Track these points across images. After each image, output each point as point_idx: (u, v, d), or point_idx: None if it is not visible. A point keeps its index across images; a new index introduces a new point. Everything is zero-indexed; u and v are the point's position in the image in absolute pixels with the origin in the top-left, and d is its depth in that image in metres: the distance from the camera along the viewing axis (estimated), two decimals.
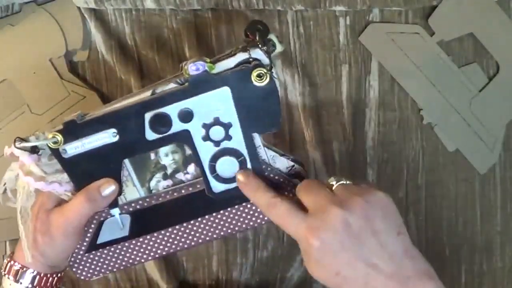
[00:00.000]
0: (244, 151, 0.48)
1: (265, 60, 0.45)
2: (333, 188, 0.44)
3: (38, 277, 0.49)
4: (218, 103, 0.46)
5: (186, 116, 0.46)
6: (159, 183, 0.50)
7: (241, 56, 0.45)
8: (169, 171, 0.49)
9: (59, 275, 0.51)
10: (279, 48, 0.46)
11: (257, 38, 0.45)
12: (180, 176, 0.50)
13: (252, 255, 0.68)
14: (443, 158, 0.67)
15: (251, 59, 0.45)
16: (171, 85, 0.46)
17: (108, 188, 0.47)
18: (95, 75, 0.66)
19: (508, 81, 0.65)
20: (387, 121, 0.66)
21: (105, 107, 0.47)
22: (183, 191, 0.50)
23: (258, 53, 0.45)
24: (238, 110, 0.46)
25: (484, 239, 0.68)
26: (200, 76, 0.44)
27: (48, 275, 0.50)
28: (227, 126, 0.46)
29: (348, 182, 0.44)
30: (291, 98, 0.65)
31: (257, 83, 0.45)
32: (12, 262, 0.50)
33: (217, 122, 0.46)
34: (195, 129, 0.46)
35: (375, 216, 0.41)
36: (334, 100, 0.66)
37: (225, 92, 0.45)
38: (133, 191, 0.50)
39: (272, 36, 0.46)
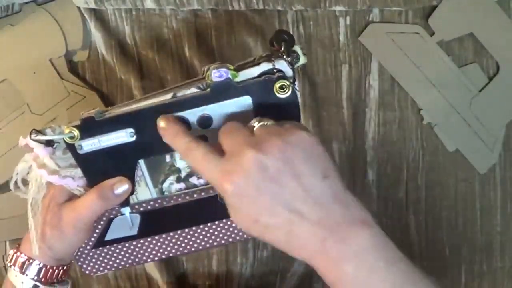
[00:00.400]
0: None
1: (289, 72, 0.45)
2: (254, 129, 0.40)
3: (44, 269, 0.49)
4: (238, 111, 0.45)
5: (205, 122, 0.46)
6: (172, 186, 0.49)
7: (265, 66, 0.45)
8: (183, 174, 0.49)
9: (64, 267, 0.51)
10: (302, 60, 0.46)
11: (283, 48, 0.45)
12: (194, 180, 0.49)
13: (252, 255, 0.68)
14: (443, 158, 0.67)
15: (275, 70, 0.45)
16: (193, 90, 0.46)
17: (121, 187, 0.47)
18: (95, 75, 0.66)
19: (508, 81, 0.65)
20: (387, 121, 0.66)
21: (123, 105, 0.47)
22: (195, 195, 0.50)
23: (282, 65, 0.45)
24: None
25: (484, 239, 0.68)
26: (222, 83, 0.44)
27: (54, 268, 0.50)
28: None
29: (269, 122, 0.41)
30: None
31: (279, 94, 0.44)
32: (18, 253, 0.50)
33: None
34: (213, 135, 0.46)
35: (295, 158, 0.38)
36: (334, 100, 0.66)
37: (246, 101, 0.45)
38: (145, 192, 0.50)
39: (296, 48, 0.46)
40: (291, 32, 0.64)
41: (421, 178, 0.67)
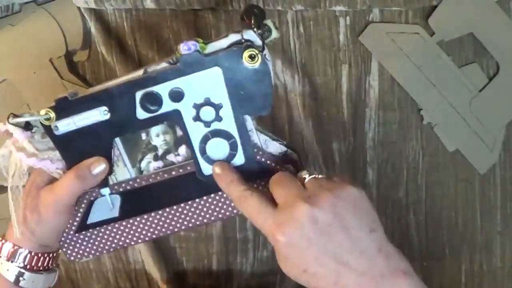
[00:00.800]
0: (235, 133, 0.47)
1: (258, 41, 0.45)
2: (305, 181, 0.43)
3: (29, 256, 0.49)
4: (209, 84, 0.45)
5: (177, 95, 0.46)
6: (150, 164, 0.49)
7: (234, 37, 0.45)
8: (160, 152, 0.49)
9: (50, 255, 0.51)
10: (274, 34, 0.46)
11: (253, 21, 0.45)
12: (171, 157, 0.49)
13: (252, 255, 0.68)
14: (443, 158, 0.67)
15: (243, 40, 0.45)
16: (163, 65, 0.46)
17: (98, 166, 0.47)
18: (95, 75, 0.66)
19: (508, 81, 0.65)
20: (387, 121, 0.66)
21: (97, 85, 0.47)
22: (173, 173, 0.50)
23: (250, 35, 0.45)
24: (229, 91, 0.46)
25: (484, 239, 0.68)
26: (191, 55, 0.45)
27: (39, 255, 0.50)
28: (217, 107, 0.46)
29: (320, 175, 0.43)
30: (291, 98, 0.65)
31: (248, 64, 0.44)
32: (3, 241, 0.50)
33: (207, 102, 0.46)
34: (185, 109, 0.46)
35: (345, 212, 0.40)
36: (334, 100, 0.66)
37: (216, 73, 0.45)
38: (123, 171, 0.50)
39: (268, 22, 0.46)
40: (290, 32, 0.64)
41: (421, 178, 0.67)
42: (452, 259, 0.69)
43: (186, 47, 0.44)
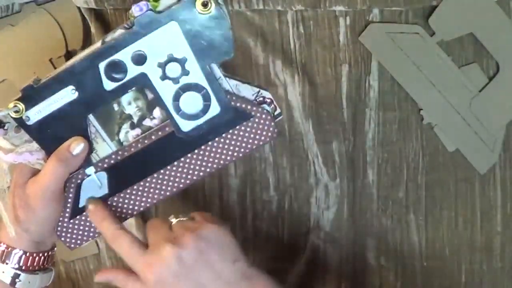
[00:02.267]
0: (205, 84, 0.48)
1: None
2: (172, 225, 0.47)
3: (24, 256, 0.49)
4: (169, 40, 0.45)
5: (139, 58, 0.46)
6: (128, 134, 0.49)
7: None
8: (135, 119, 0.49)
9: (45, 254, 0.51)
10: None
11: None
12: (147, 122, 0.49)
13: (252, 255, 0.67)
14: (443, 158, 0.67)
15: None
16: (119, 31, 0.46)
17: (77, 146, 0.47)
18: None
19: (508, 81, 0.65)
20: (387, 121, 0.66)
21: (60, 67, 0.47)
22: (153, 137, 0.49)
23: None
24: (190, 43, 0.46)
25: (484, 239, 0.68)
26: (144, 16, 0.44)
27: (35, 255, 0.50)
28: (182, 61, 0.46)
29: (185, 218, 0.48)
30: (291, 98, 0.65)
31: (203, 12, 0.44)
32: None
33: (171, 59, 0.46)
34: (151, 70, 0.46)
35: (208, 248, 0.45)
36: (334, 100, 0.66)
37: (173, 27, 0.45)
38: (104, 147, 0.49)
39: None
40: (290, 32, 0.64)
41: (421, 178, 0.67)
42: (452, 259, 0.69)
43: (138, 8, 0.44)
